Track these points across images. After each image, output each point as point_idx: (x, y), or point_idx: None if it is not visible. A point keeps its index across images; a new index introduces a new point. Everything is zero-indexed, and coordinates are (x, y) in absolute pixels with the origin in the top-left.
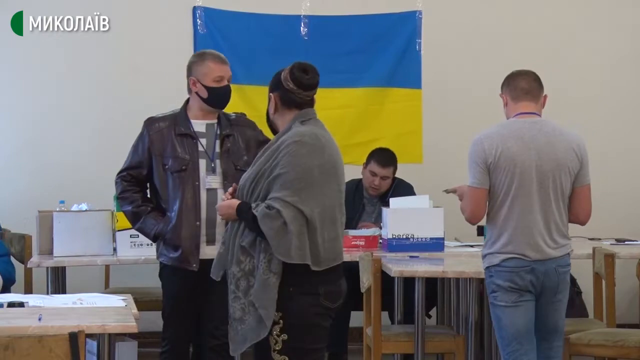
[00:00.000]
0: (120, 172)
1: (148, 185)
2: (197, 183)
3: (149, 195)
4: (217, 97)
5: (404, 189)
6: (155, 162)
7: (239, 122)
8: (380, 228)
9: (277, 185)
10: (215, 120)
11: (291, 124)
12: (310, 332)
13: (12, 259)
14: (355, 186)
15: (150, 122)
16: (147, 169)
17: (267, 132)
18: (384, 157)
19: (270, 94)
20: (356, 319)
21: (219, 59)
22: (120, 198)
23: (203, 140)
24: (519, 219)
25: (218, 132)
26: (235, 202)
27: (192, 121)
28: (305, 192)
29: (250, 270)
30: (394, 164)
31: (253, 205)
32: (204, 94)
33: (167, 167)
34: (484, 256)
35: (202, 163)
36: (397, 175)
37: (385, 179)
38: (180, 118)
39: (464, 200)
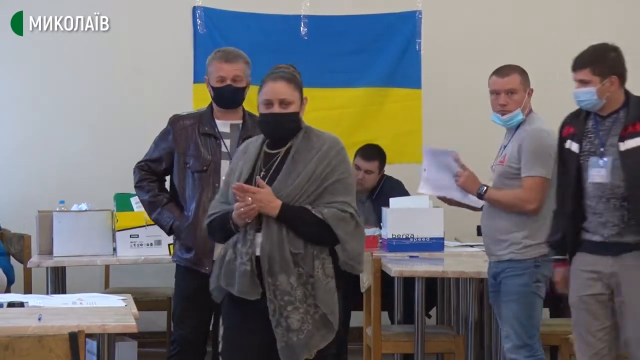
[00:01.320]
0: (140, 162)
1: (166, 178)
2: (217, 184)
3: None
4: (220, 98)
5: (393, 185)
6: (177, 159)
7: None
8: (380, 228)
9: (339, 190)
10: (240, 121)
11: (306, 126)
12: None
13: (12, 258)
14: None
15: (175, 120)
16: (165, 165)
17: None
18: (367, 151)
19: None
20: (356, 319)
21: (225, 57)
22: (137, 187)
23: (227, 141)
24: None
25: (242, 133)
26: (277, 200)
27: (217, 121)
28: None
29: (307, 278)
30: (378, 158)
31: (310, 207)
32: (212, 94)
33: (188, 165)
34: (526, 246)
35: (225, 164)
36: (397, 175)
37: (369, 173)
38: (205, 117)
39: (530, 191)
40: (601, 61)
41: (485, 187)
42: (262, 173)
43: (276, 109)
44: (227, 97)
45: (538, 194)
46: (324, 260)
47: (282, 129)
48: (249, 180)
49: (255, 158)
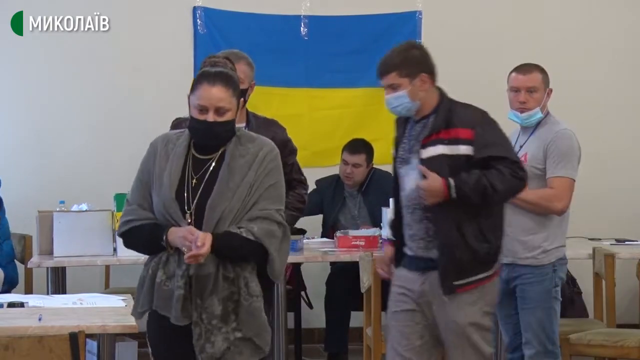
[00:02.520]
0: None
1: None
2: None
3: None
4: None
5: (382, 177)
6: None
7: (266, 124)
8: (373, 224)
9: (273, 196)
10: (244, 123)
11: (237, 128)
12: None
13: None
14: (336, 181)
15: (178, 124)
16: None
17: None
18: (353, 144)
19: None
20: (356, 319)
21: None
22: None
23: None
24: (569, 214)
25: None
26: (208, 240)
27: None
28: None
29: (231, 297)
30: (365, 152)
31: (237, 229)
32: None
33: None
34: (545, 251)
35: None
36: None
37: (357, 167)
38: None
39: (559, 191)
40: (407, 61)
41: None
42: (194, 181)
43: (211, 116)
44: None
45: (566, 194)
46: (247, 278)
47: (215, 139)
48: (181, 187)
49: (184, 161)
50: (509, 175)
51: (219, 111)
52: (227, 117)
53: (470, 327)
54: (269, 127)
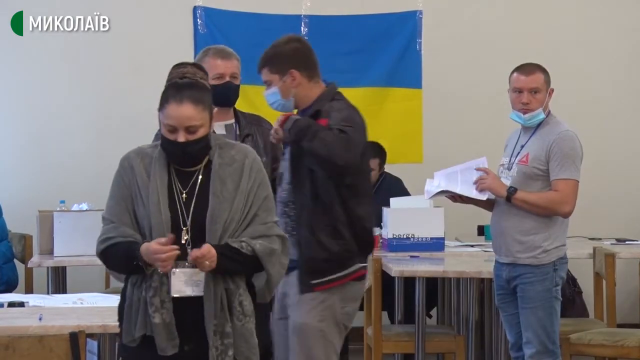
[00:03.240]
0: None
1: None
2: None
3: None
4: (218, 95)
5: (392, 182)
6: None
7: (256, 120)
8: (381, 227)
9: (270, 207)
10: (233, 120)
11: (216, 137)
12: None
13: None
14: None
15: None
16: None
17: None
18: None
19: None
20: (357, 319)
21: (219, 54)
22: None
23: None
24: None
25: (238, 132)
26: (213, 253)
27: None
28: None
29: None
30: (379, 157)
31: (238, 244)
32: None
33: None
34: (545, 250)
35: None
36: (398, 174)
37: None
38: None
39: (565, 194)
40: (276, 58)
41: (513, 188)
42: (184, 195)
43: (182, 136)
44: (226, 95)
45: (572, 197)
46: (241, 296)
47: (191, 158)
48: (172, 203)
49: (167, 176)
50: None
51: (189, 130)
52: (200, 134)
53: (309, 329)
54: (260, 123)
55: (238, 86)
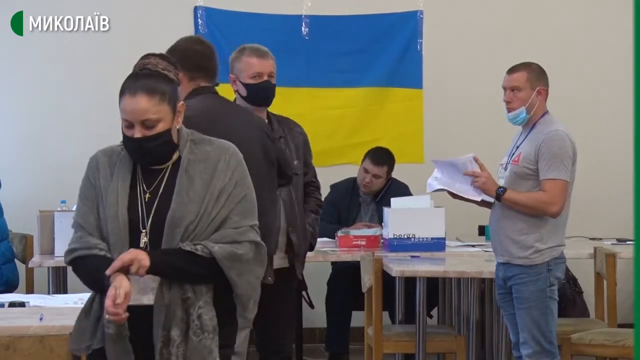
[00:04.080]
0: None
1: None
2: None
3: None
4: (256, 94)
5: (399, 188)
6: None
7: (287, 123)
8: (382, 227)
9: (248, 209)
10: (266, 121)
11: (190, 132)
12: None
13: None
14: (352, 185)
15: None
16: None
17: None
18: (378, 155)
19: None
20: (357, 318)
21: (256, 53)
22: None
23: None
24: (567, 214)
25: (272, 134)
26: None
27: None
28: None
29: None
30: (388, 164)
31: (192, 246)
32: (244, 92)
33: None
34: (538, 250)
35: None
36: (398, 175)
37: (377, 178)
38: None
39: (552, 194)
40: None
41: (502, 188)
42: (148, 195)
43: (138, 132)
44: (265, 94)
45: (560, 197)
46: (201, 309)
47: (151, 155)
48: (133, 204)
49: (132, 173)
50: None
51: (145, 124)
52: (159, 129)
53: None
54: (291, 125)
55: (274, 85)
